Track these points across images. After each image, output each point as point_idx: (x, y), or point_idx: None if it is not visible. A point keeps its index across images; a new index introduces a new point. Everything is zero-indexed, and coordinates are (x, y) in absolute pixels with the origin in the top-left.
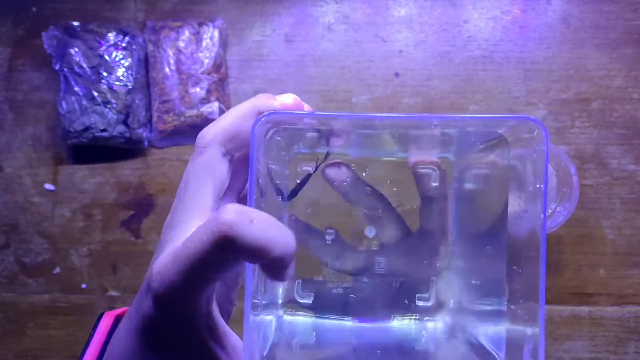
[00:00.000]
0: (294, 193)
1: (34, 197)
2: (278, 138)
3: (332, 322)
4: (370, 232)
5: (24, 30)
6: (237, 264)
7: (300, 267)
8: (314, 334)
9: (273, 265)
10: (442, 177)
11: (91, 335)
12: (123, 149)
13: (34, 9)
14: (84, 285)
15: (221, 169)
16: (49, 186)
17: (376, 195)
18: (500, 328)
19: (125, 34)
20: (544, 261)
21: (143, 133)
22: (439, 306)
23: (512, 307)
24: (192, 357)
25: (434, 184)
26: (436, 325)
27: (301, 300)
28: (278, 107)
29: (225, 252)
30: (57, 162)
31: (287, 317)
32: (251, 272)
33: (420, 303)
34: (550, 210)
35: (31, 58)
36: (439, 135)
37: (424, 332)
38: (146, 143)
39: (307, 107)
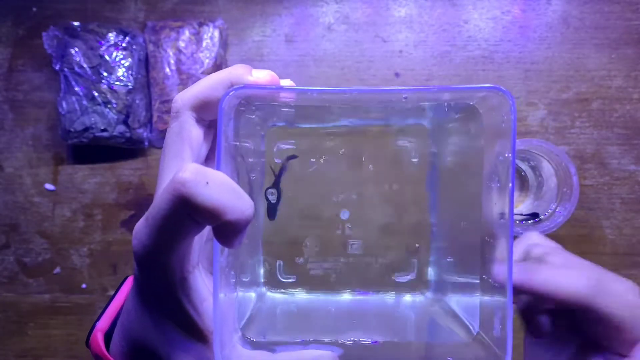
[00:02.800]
0: (273, 212)
1: (35, 197)
2: (253, 117)
3: (312, 297)
4: (344, 215)
5: (24, 30)
6: (198, 226)
7: (281, 248)
8: (294, 307)
9: (225, 230)
10: (420, 151)
11: (112, 297)
12: (123, 149)
13: (34, 9)
14: (84, 285)
15: (196, 134)
16: (49, 186)
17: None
18: (475, 299)
19: (125, 34)
20: (512, 230)
21: (143, 133)
22: (419, 281)
23: (484, 277)
24: (171, 318)
25: (414, 160)
26: (415, 297)
27: (283, 280)
28: (250, 82)
29: (180, 211)
30: (57, 162)
31: (268, 294)
32: (219, 248)
33: (399, 280)
34: (550, 211)
35: (31, 58)
36: (415, 107)
37: (402, 299)
38: (146, 143)
39: (289, 82)
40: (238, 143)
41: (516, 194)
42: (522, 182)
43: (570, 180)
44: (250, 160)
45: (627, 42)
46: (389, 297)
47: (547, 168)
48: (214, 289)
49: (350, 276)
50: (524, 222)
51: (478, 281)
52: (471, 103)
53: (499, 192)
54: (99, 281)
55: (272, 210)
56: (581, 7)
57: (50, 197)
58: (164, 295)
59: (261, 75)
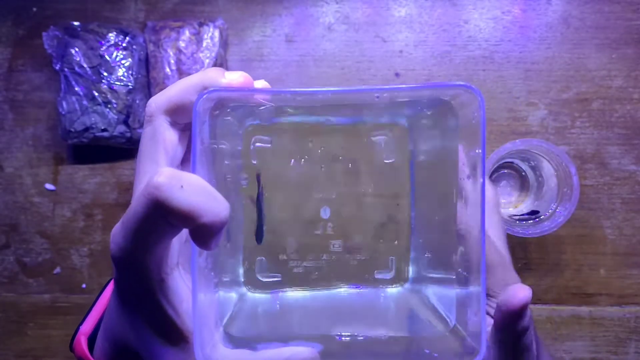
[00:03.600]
0: (260, 236)
1: (35, 197)
2: (228, 118)
3: (293, 295)
4: (325, 213)
5: (24, 30)
6: (174, 229)
7: (262, 248)
8: (276, 305)
9: (201, 232)
10: (398, 149)
11: (95, 300)
12: (124, 149)
13: (35, 9)
14: (84, 285)
15: (170, 138)
16: (49, 186)
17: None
18: (451, 293)
19: (125, 34)
20: (484, 223)
21: None
22: (399, 278)
23: (459, 270)
24: (149, 318)
25: (392, 158)
26: (395, 292)
27: (263, 279)
28: (223, 85)
29: (155, 215)
30: (57, 162)
31: (249, 294)
32: (196, 250)
33: (379, 277)
34: (550, 211)
35: (31, 58)
36: (392, 105)
37: (382, 295)
38: None
39: (263, 83)
40: (216, 146)
41: (516, 194)
42: (522, 182)
43: (571, 180)
44: (226, 162)
45: (628, 42)
46: (370, 293)
47: (547, 168)
48: (192, 289)
49: (332, 274)
50: (524, 221)
51: (454, 276)
52: (445, 99)
53: (472, 187)
54: (99, 281)
55: (258, 235)
56: (581, 7)
57: (51, 197)
58: (143, 297)
59: (234, 77)
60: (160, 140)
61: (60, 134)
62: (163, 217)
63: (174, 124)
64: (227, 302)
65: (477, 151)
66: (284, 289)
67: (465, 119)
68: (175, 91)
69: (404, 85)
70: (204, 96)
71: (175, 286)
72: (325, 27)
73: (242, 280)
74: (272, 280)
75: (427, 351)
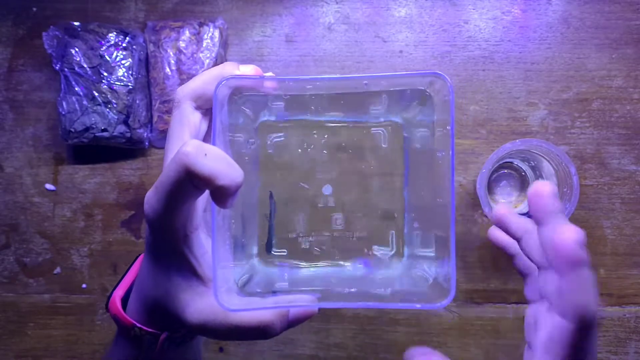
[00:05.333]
0: (269, 247)
1: (35, 197)
2: (244, 108)
3: (300, 266)
4: (327, 190)
5: (24, 30)
6: (198, 190)
7: (274, 225)
8: (285, 274)
9: (219, 193)
10: (393, 135)
11: (126, 271)
12: (124, 149)
13: (35, 9)
14: (84, 285)
15: (194, 119)
16: (49, 186)
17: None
18: (432, 256)
19: (125, 34)
20: (453, 197)
21: (144, 133)
22: (394, 252)
23: (437, 233)
24: (177, 268)
25: (384, 145)
26: (391, 265)
27: (274, 253)
28: (238, 74)
29: (183, 177)
30: (57, 162)
31: (262, 265)
32: (215, 208)
33: (378, 253)
34: None
35: (31, 58)
36: (384, 97)
37: (379, 266)
38: (147, 143)
39: (270, 74)
40: (231, 135)
41: (516, 193)
42: (522, 182)
43: (570, 181)
44: (241, 138)
45: (628, 42)
46: (367, 267)
47: (547, 168)
48: (212, 240)
49: (334, 249)
50: None
51: (432, 254)
52: (423, 88)
53: (444, 160)
54: (99, 281)
55: (268, 245)
56: (581, 7)
57: (51, 197)
58: (171, 250)
59: (247, 70)
60: (186, 122)
61: (60, 134)
62: (189, 180)
63: (197, 108)
64: (242, 271)
65: (447, 128)
66: (291, 262)
67: (439, 103)
68: (198, 83)
69: (385, 74)
70: (223, 82)
71: (198, 242)
72: (325, 27)
73: (255, 252)
74: (280, 254)
75: (414, 301)
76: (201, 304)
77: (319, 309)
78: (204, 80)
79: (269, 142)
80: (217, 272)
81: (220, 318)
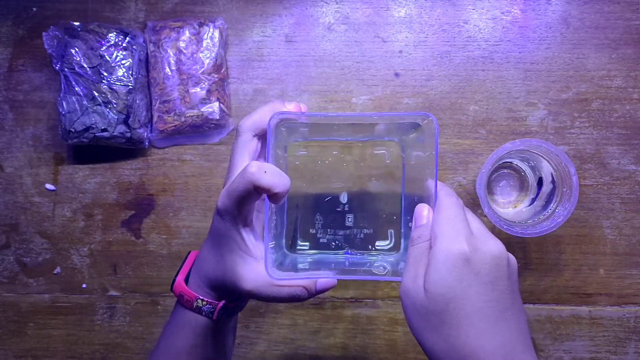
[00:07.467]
0: (295, 246)
1: (35, 197)
2: (282, 129)
3: (320, 255)
4: (343, 198)
5: (24, 30)
6: (258, 195)
7: (299, 223)
8: (308, 259)
9: (274, 196)
10: (393, 156)
11: (183, 262)
12: (124, 149)
13: (35, 9)
14: (84, 285)
15: (252, 145)
16: (49, 186)
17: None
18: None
19: (125, 34)
20: (436, 193)
21: (144, 133)
22: (394, 247)
23: (410, 225)
24: (236, 249)
25: (387, 161)
26: (390, 255)
27: (299, 245)
28: (284, 109)
29: (249, 188)
30: (57, 162)
31: (290, 254)
32: (269, 205)
33: (379, 247)
34: (550, 211)
35: (32, 58)
36: (386, 126)
37: (380, 257)
38: (147, 143)
39: (303, 107)
40: (274, 151)
41: (516, 193)
42: (522, 182)
43: (570, 181)
44: (281, 161)
45: (627, 42)
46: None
47: (546, 168)
48: (265, 227)
49: (346, 243)
50: (523, 221)
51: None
52: (417, 122)
53: (431, 176)
54: (99, 281)
55: (294, 243)
56: (581, 7)
57: (51, 197)
58: (232, 237)
59: (290, 107)
60: (247, 147)
61: (61, 134)
62: (255, 189)
63: (254, 136)
64: (277, 258)
65: (432, 152)
66: (313, 252)
67: (429, 131)
68: (256, 116)
69: (390, 113)
70: (274, 117)
71: (252, 232)
72: (325, 27)
73: (285, 244)
74: (305, 246)
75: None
76: (254, 275)
77: (337, 281)
78: (260, 115)
79: (295, 156)
80: (267, 252)
81: (267, 285)
